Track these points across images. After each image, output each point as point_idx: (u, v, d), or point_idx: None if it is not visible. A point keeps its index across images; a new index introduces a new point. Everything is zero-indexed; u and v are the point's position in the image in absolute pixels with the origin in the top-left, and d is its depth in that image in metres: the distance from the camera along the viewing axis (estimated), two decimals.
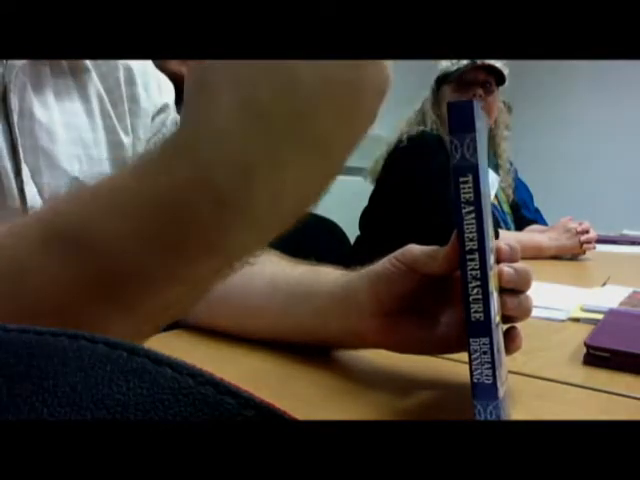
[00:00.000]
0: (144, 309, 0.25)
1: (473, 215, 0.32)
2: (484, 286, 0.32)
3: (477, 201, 0.31)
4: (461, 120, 0.31)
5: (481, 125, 0.33)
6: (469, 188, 0.31)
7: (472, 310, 0.32)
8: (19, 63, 0.45)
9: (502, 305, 0.37)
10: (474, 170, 0.31)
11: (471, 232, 0.32)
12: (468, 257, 0.32)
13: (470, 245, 0.32)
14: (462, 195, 0.32)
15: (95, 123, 0.53)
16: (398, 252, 0.40)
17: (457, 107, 0.32)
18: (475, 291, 0.32)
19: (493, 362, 0.31)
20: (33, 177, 0.47)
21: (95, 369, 0.12)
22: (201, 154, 0.22)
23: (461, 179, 0.32)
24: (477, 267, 0.32)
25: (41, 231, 0.24)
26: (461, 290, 0.32)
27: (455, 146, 0.31)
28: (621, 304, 0.72)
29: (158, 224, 0.23)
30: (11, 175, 0.45)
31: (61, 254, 0.23)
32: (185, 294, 0.26)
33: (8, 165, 0.45)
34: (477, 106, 0.32)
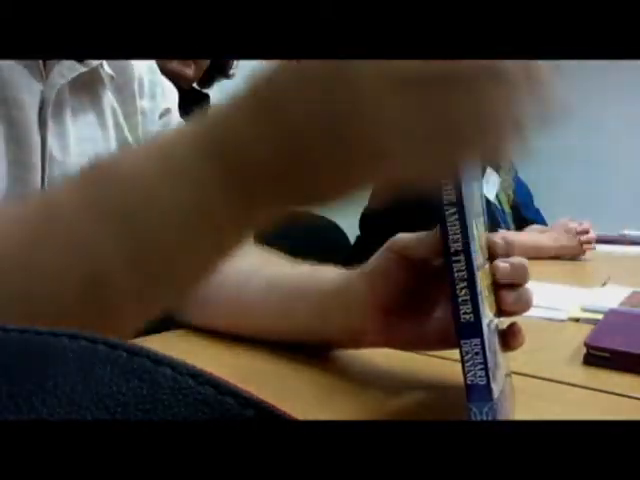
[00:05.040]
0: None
1: (456, 217, 0.31)
2: (471, 287, 0.31)
3: (459, 202, 0.31)
4: None
5: None
6: (451, 190, 0.31)
7: (461, 311, 0.31)
8: (60, 81, 0.46)
9: (500, 301, 0.36)
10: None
11: (455, 234, 0.31)
12: (453, 259, 0.31)
13: (455, 247, 0.31)
14: (445, 197, 0.31)
15: (108, 136, 0.54)
16: (388, 243, 0.40)
17: None
18: (463, 292, 0.31)
19: (485, 363, 0.31)
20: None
21: (95, 369, 0.12)
22: None
23: (442, 181, 0.31)
24: (463, 268, 0.31)
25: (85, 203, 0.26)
26: (449, 292, 0.32)
27: None
28: (621, 304, 0.72)
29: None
30: (39, 187, 0.47)
31: (103, 221, 0.26)
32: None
33: (40, 177, 0.46)
34: None
